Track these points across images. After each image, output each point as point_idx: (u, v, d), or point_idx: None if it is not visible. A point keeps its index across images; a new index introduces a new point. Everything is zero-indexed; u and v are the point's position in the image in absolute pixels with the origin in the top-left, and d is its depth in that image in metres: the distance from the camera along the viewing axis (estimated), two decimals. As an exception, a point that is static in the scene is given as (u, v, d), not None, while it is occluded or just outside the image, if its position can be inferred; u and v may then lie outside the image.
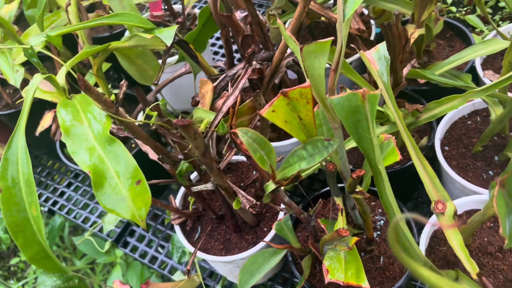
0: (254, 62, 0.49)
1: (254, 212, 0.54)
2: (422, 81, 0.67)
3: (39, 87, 0.62)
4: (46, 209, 0.93)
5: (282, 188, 0.49)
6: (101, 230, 0.84)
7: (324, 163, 0.45)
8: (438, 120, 0.65)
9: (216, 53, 1.07)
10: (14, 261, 1.54)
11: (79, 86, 0.70)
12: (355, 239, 0.41)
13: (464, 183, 0.57)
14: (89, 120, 0.47)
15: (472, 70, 0.70)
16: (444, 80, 0.58)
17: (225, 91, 0.48)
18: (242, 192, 0.51)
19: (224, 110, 0.42)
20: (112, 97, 0.46)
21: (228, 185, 0.50)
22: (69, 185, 0.94)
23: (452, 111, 0.65)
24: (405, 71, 0.54)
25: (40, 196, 0.94)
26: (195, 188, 0.54)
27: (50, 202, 0.92)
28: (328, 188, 0.64)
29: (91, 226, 0.86)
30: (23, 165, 0.47)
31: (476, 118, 0.66)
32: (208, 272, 0.76)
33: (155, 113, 0.53)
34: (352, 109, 0.38)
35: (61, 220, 1.20)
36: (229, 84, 0.49)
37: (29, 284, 1.36)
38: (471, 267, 0.40)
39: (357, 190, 0.44)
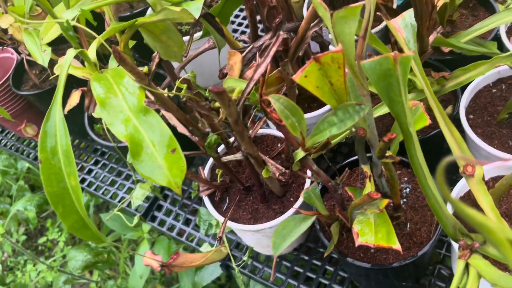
0: (280, 32, 0.50)
1: (283, 180, 0.55)
2: (446, 50, 0.66)
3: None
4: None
5: (310, 156, 0.50)
6: (129, 205, 0.86)
7: (353, 129, 0.46)
8: (463, 89, 0.65)
9: (235, 30, 1.07)
10: (41, 240, 1.59)
11: (104, 64, 0.71)
12: (386, 201, 0.42)
13: (490, 149, 0.58)
14: (123, 93, 0.48)
15: (497, 40, 0.69)
16: (469, 47, 0.58)
17: (253, 62, 0.49)
18: (271, 161, 0.53)
19: (256, 78, 0.43)
20: (145, 69, 0.48)
21: (258, 154, 0.51)
22: (96, 163, 0.97)
23: (476, 79, 0.66)
24: (431, 38, 0.54)
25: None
26: (225, 159, 0.55)
27: (79, 179, 0.95)
28: (352, 159, 0.65)
29: (119, 202, 0.88)
30: (61, 137, 0.48)
31: (501, 86, 0.65)
32: (235, 243, 0.78)
33: (184, 86, 0.54)
34: (383, 73, 0.38)
35: (87, 198, 1.24)
36: (257, 54, 0.50)
37: (57, 261, 1.41)
38: (499, 229, 0.41)
39: (387, 154, 0.45)
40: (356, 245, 0.46)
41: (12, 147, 1.07)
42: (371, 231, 0.46)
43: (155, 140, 0.46)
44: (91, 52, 0.55)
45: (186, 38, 0.83)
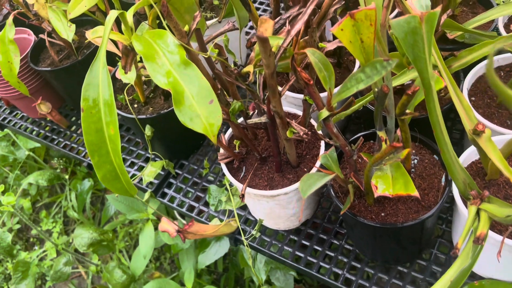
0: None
1: (305, 138, 0.58)
2: (451, 36, 0.72)
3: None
4: (85, 164, 0.98)
5: (332, 118, 0.54)
6: (140, 182, 0.89)
7: (376, 89, 0.51)
8: (465, 74, 0.71)
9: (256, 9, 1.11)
10: (34, 231, 1.58)
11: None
12: (407, 150, 0.47)
13: (490, 125, 0.63)
14: (163, 50, 0.52)
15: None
16: (476, 31, 0.64)
17: (283, 27, 0.54)
18: (294, 122, 0.57)
19: (293, 34, 0.47)
20: (186, 27, 0.51)
21: (284, 114, 0.55)
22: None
23: (477, 66, 0.71)
24: (442, 19, 0.60)
25: (79, 152, 0.99)
26: (251, 121, 0.59)
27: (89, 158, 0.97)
28: (363, 133, 0.69)
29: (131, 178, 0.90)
30: (104, 88, 0.51)
31: (500, 73, 0.71)
32: (244, 218, 0.81)
33: (216, 51, 0.58)
34: (410, 30, 0.43)
35: (90, 183, 1.25)
36: (287, 23, 0.55)
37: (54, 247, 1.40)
38: (509, 174, 0.45)
39: (406, 111, 0.49)
40: (375, 196, 0.50)
41: (21, 127, 1.08)
42: (389, 183, 0.50)
43: (193, 92, 0.49)
44: (129, 17, 0.58)
45: (208, 22, 0.87)
